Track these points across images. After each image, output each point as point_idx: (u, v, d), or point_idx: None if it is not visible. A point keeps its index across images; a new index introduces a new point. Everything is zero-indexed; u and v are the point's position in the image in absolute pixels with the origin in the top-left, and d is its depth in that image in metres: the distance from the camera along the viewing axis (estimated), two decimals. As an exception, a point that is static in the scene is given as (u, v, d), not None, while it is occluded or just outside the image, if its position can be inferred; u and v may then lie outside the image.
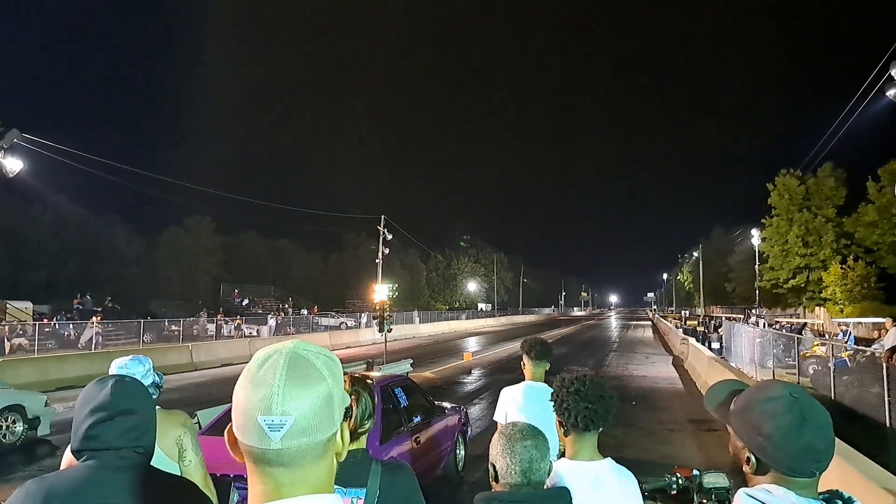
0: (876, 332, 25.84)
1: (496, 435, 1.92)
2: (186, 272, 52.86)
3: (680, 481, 2.57)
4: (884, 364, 9.40)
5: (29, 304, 30.50)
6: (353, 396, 1.93)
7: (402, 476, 1.97)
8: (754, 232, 46.00)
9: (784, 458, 1.24)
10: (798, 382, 13.38)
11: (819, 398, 1.31)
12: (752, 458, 1.29)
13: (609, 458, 2.24)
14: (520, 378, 3.81)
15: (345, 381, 0.95)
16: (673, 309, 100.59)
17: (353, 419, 1.95)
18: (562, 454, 2.35)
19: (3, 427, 9.60)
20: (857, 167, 44.36)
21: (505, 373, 18.79)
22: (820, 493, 1.27)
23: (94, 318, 25.63)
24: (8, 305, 28.67)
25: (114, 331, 26.54)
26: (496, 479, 1.88)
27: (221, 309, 39.40)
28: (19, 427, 9.77)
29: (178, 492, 1.70)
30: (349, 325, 42.24)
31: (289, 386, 0.83)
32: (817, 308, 44.88)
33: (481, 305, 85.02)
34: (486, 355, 27.01)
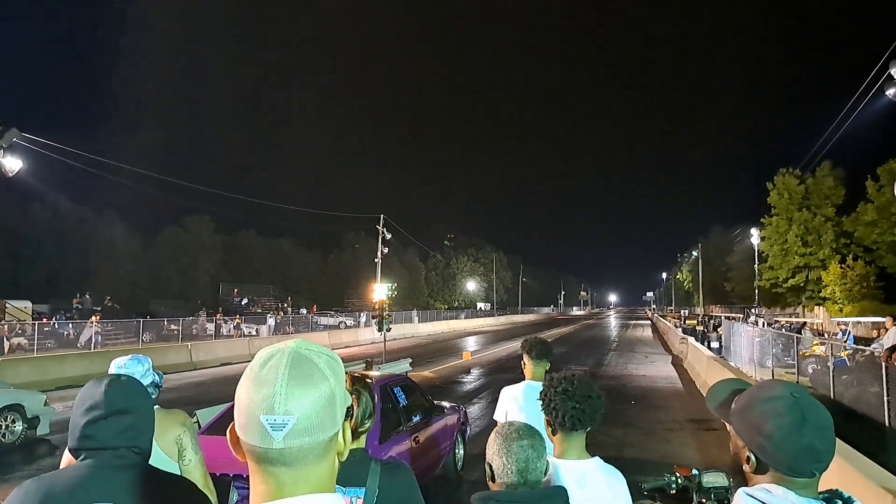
0: (875, 331, 25.87)
1: (493, 434, 1.92)
2: (186, 271, 52.86)
3: (679, 481, 2.58)
4: (883, 363, 9.40)
5: (28, 304, 30.50)
6: (354, 396, 1.93)
7: (401, 475, 1.97)
8: (753, 231, 46.08)
9: (784, 458, 1.24)
10: (797, 382, 13.40)
11: (818, 397, 1.31)
12: (753, 458, 1.29)
13: (597, 458, 2.24)
14: (519, 377, 3.82)
15: (346, 381, 0.95)
16: (672, 308, 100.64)
17: (354, 419, 1.95)
18: None
19: (3, 426, 9.60)
20: (857, 166, 44.45)
21: (504, 372, 18.80)
22: (820, 493, 1.28)
23: (93, 318, 25.64)
24: (7, 305, 28.67)
25: (113, 330, 26.55)
26: (493, 479, 1.88)
27: (221, 308, 39.43)
28: (19, 426, 9.77)
29: (176, 491, 1.69)
30: (348, 324, 42.27)
31: (291, 385, 0.83)
32: (816, 307, 44.92)
33: (480, 305, 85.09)
34: (485, 355, 27.02)
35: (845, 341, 17.53)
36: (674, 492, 2.59)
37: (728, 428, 1.39)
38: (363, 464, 1.93)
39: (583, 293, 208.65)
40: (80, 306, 31.30)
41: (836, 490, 1.30)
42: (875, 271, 39.54)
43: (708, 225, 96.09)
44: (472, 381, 18.06)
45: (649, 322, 68.59)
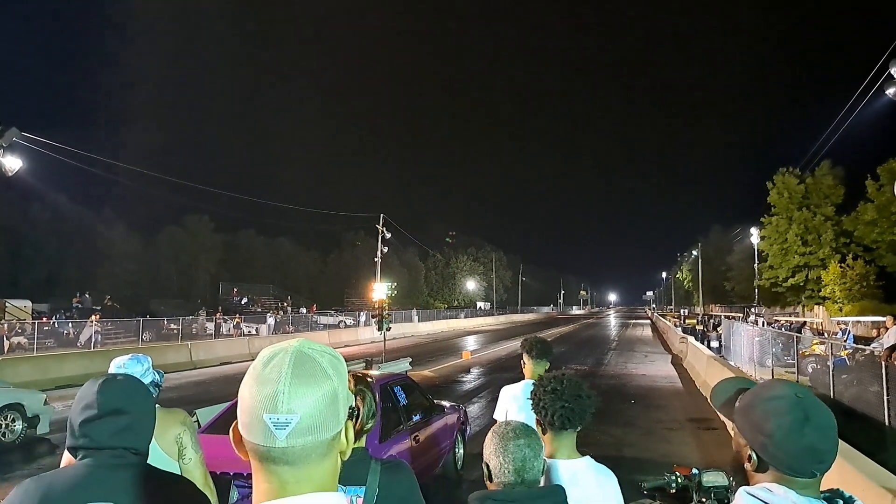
0: (875, 330, 25.88)
1: (490, 434, 1.92)
2: (185, 271, 52.84)
3: (679, 480, 2.58)
4: (883, 363, 9.41)
5: (28, 303, 30.50)
6: (359, 397, 1.93)
7: (401, 475, 1.97)
8: (753, 231, 46.07)
9: (785, 457, 1.24)
10: (797, 381, 13.40)
11: (818, 397, 1.31)
12: (754, 456, 1.29)
13: (587, 457, 2.25)
14: (519, 377, 3.82)
15: (350, 381, 0.96)
16: (672, 308, 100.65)
17: (360, 419, 1.95)
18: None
19: (3, 426, 9.60)
20: (856, 166, 44.52)
21: (504, 371, 18.80)
22: (821, 492, 1.27)
23: (93, 317, 25.64)
24: (7, 304, 28.67)
25: (113, 329, 26.54)
26: (490, 479, 1.88)
27: (220, 307, 39.42)
28: (19, 425, 9.77)
29: (175, 491, 1.69)
30: (348, 323, 42.28)
31: (294, 384, 0.83)
32: (816, 307, 44.94)
33: (480, 304, 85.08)
34: (485, 354, 27.02)
35: (845, 341, 17.54)
36: (674, 491, 2.59)
37: (731, 426, 1.40)
38: (363, 463, 1.93)
39: (582, 293, 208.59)
40: (79, 305, 31.30)
41: (837, 489, 1.30)
42: (875, 270, 39.55)
43: (708, 224, 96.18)
44: (471, 380, 18.06)
45: (649, 321, 68.58)
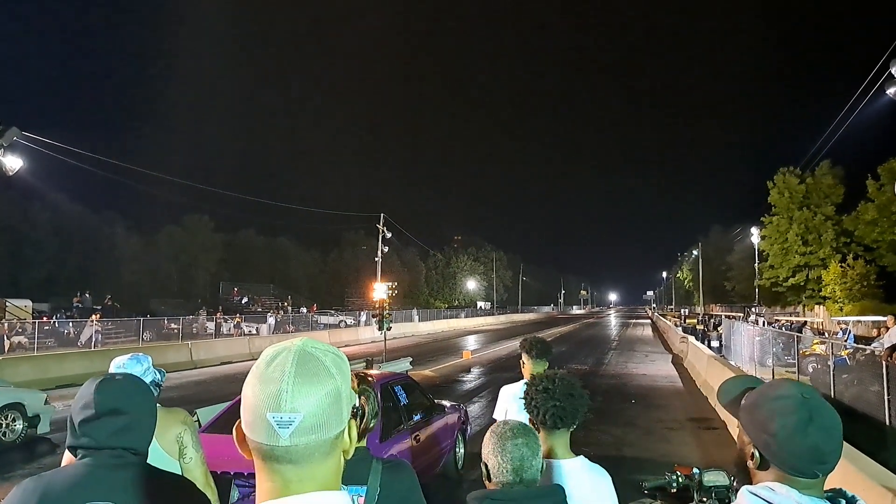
0: (875, 330, 25.86)
1: (488, 434, 1.92)
2: (185, 270, 52.83)
3: (680, 479, 2.57)
4: (883, 362, 9.40)
5: (28, 303, 30.51)
6: (362, 396, 1.93)
7: (402, 474, 1.97)
8: (754, 230, 46.05)
9: (787, 457, 1.23)
10: (797, 380, 13.36)
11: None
12: (757, 454, 1.29)
13: (581, 456, 2.24)
14: (519, 376, 3.82)
15: (353, 380, 0.96)
16: (672, 307, 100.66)
17: (364, 418, 1.95)
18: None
19: (3, 425, 9.60)
20: (857, 165, 44.52)
21: (504, 371, 18.79)
22: (824, 492, 1.27)
23: (93, 316, 25.65)
24: (7, 303, 28.67)
25: (113, 329, 26.54)
26: (489, 478, 1.88)
27: (221, 307, 39.42)
28: (19, 425, 9.78)
29: (175, 490, 1.69)
30: (349, 323, 42.28)
31: (298, 383, 0.83)
32: (817, 306, 44.94)
33: (480, 304, 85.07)
34: (486, 353, 27.02)
35: (846, 340, 17.52)
36: (674, 490, 2.58)
37: (734, 425, 1.40)
38: (364, 462, 1.92)
39: (583, 292, 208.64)
40: (80, 305, 31.30)
41: (840, 489, 1.29)
42: (875, 270, 39.54)
43: (708, 224, 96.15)
44: (472, 379, 18.06)
45: (649, 321, 68.56)
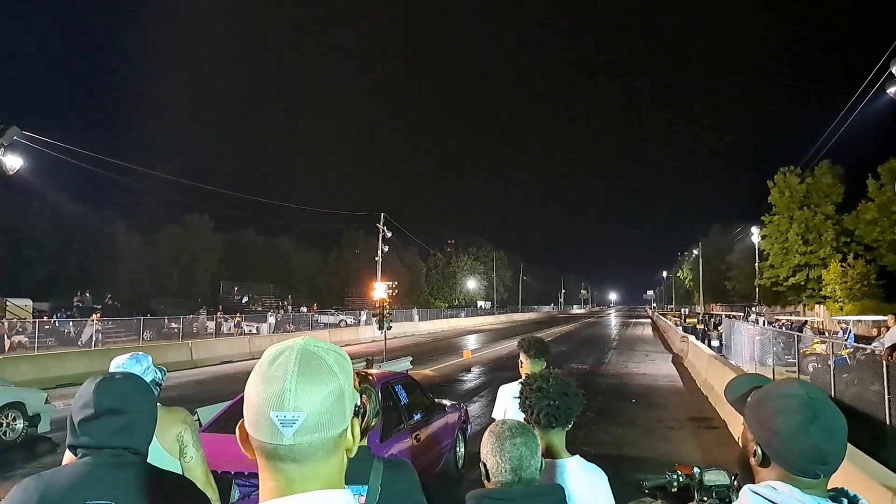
0: (875, 329, 25.85)
1: (486, 433, 1.92)
2: (186, 269, 52.86)
3: (681, 479, 2.57)
4: (884, 362, 9.40)
5: (29, 302, 30.53)
6: (364, 395, 1.93)
7: (403, 473, 1.97)
8: (754, 230, 46.04)
9: (789, 455, 1.23)
10: (805, 381, 13.35)
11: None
12: (759, 451, 1.29)
13: (577, 456, 2.24)
14: (519, 376, 3.82)
15: (355, 379, 0.96)
16: (672, 307, 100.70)
17: (366, 417, 1.95)
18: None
19: (4, 424, 9.60)
20: (857, 165, 44.56)
21: (504, 370, 18.79)
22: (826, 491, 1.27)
23: (93, 316, 25.65)
24: (8, 303, 28.69)
25: (114, 328, 26.55)
26: (488, 478, 1.88)
27: (221, 306, 39.44)
28: (20, 424, 9.78)
29: (175, 490, 1.68)
30: (349, 322, 42.28)
31: (301, 382, 0.83)
32: (817, 306, 44.95)
33: (480, 303, 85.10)
34: (486, 353, 27.02)
35: (846, 340, 17.51)
36: (675, 490, 2.58)
37: (735, 423, 1.40)
38: (365, 461, 1.92)
39: (583, 292, 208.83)
40: (80, 304, 31.33)
41: (842, 488, 1.29)
42: (875, 270, 39.55)
43: (708, 224, 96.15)
44: (472, 379, 18.07)
45: (650, 320, 68.56)
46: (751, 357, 18.22)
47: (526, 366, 3.72)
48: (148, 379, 2.65)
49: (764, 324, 27.34)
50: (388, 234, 39.77)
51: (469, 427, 8.76)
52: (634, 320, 73.31)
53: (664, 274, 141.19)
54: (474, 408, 12.51)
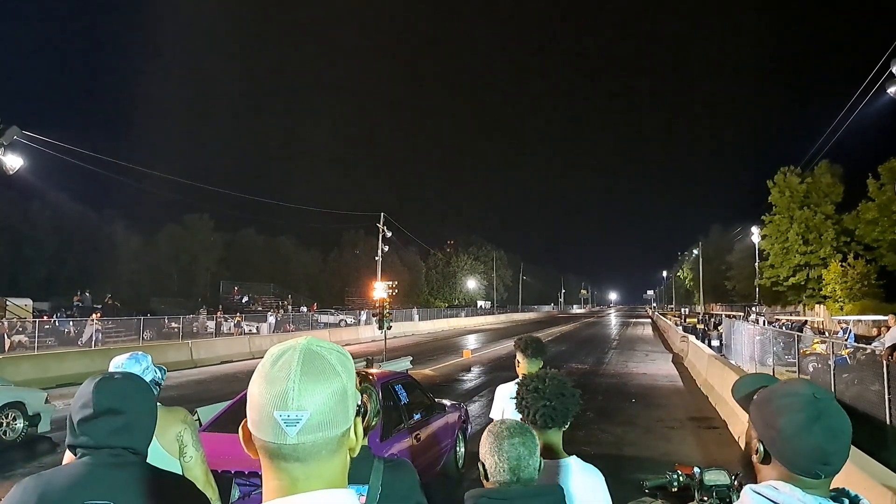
0: (875, 329, 25.85)
1: (485, 433, 1.92)
2: (186, 269, 52.88)
3: (681, 478, 2.57)
4: (884, 362, 9.40)
5: (29, 301, 30.54)
6: (365, 394, 1.93)
7: (403, 473, 1.97)
8: (754, 230, 46.03)
9: (791, 454, 1.23)
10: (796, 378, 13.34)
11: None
12: (761, 448, 1.29)
13: (574, 456, 2.24)
14: (516, 375, 3.81)
15: (356, 380, 0.96)
16: (673, 307, 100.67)
17: (366, 416, 1.95)
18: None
19: (4, 424, 9.61)
20: (855, 164, 44.65)
21: (504, 370, 18.79)
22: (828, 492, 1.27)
23: (93, 315, 25.65)
24: (8, 302, 28.70)
25: (114, 328, 26.54)
26: (486, 478, 1.88)
27: (221, 306, 39.45)
28: (20, 424, 9.78)
29: (174, 490, 1.68)
30: (349, 322, 42.28)
31: (304, 381, 0.84)
32: (817, 306, 44.94)
33: (480, 303, 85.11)
34: (486, 353, 27.02)
35: (846, 339, 17.51)
36: (675, 489, 2.58)
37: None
38: (366, 461, 1.92)
39: (583, 291, 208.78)
40: (80, 304, 31.33)
41: (843, 488, 1.29)
42: (876, 269, 39.54)
43: (708, 224, 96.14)
44: (472, 378, 18.07)
45: (650, 320, 68.58)
46: (751, 357, 18.22)
47: (523, 365, 3.71)
48: (147, 378, 2.65)
49: (764, 324, 27.32)
50: (388, 234, 39.76)
51: (469, 427, 8.77)
52: (634, 320, 73.31)
53: (664, 274, 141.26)
54: (474, 407, 12.51)
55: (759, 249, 46.50)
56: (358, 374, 2.01)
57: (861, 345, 14.32)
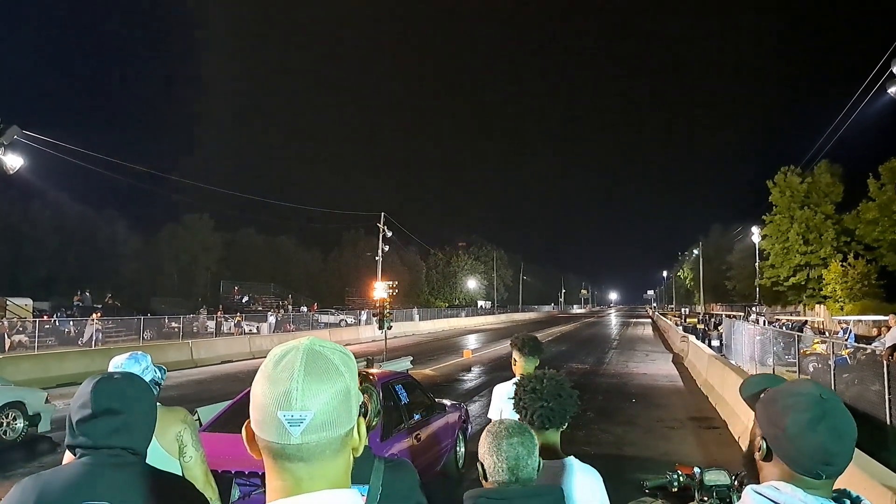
0: (875, 329, 25.86)
1: (484, 433, 1.92)
2: (186, 269, 52.92)
3: (681, 479, 2.58)
4: (884, 362, 9.39)
5: (29, 301, 30.54)
6: (365, 394, 1.93)
7: (404, 473, 1.97)
8: (755, 229, 46.03)
9: (794, 453, 1.23)
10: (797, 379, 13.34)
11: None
12: (764, 445, 1.29)
13: (571, 457, 2.24)
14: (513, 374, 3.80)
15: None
16: (673, 306, 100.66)
17: (367, 416, 1.95)
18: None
19: (4, 424, 9.61)
20: (854, 164, 44.64)
21: (505, 370, 18.74)
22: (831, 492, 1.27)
23: (94, 315, 25.65)
24: (8, 302, 28.70)
25: (114, 328, 26.55)
26: (485, 478, 1.88)
27: (221, 306, 39.43)
28: (20, 424, 9.78)
29: (173, 490, 1.68)
30: (349, 322, 42.28)
31: (308, 381, 0.84)
32: (818, 306, 44.94)
33: (481, 303, 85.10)
34: (486, 352, 27.01)
35: (846, 339, 17.51)
36: (675, 489, 2.58)
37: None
38: (366, 461, 1.92)
39: (583, 291, 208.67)
40: (80, 304, 31.33)
41: (844, 489, 1.29)
42: (876, 269, 39.55)
43: (708, 224, 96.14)
44: (473, 378, 18.07)
45: (650, 320, 68.55)
46: (751, 357, 18.21)
47: (519, 364, 3.71)
48: (147, 378, 2.64)
49: (764, 324, 27.31)
50: (389, 234, 39.77)
51: (469, 427, 8.76)
52: (635, 320, 73.31)
53: (664, 274, 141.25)
54: (475, 407, 12.51)
55: (759, 249, 46.50)
56: (358, 374, 2.01)
57: (861, 345, 14.32)
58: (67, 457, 1.86)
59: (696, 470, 2.58)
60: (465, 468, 7.81)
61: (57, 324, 24.99)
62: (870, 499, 1.31)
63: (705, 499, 2.51)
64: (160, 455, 2.53)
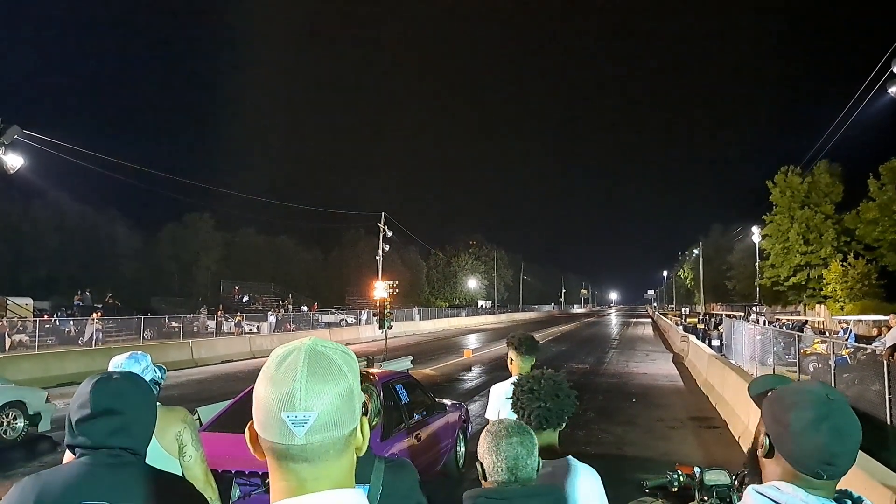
0: (876, 329, 25.84)
1: (483, 433, 1.92)
2: (186, 269, 52.96)
3: (681, 478, 2.58)
4: (884, 361, 9.38)
5: (29, 301, 30.55)
6: (366, 394, 1.93)
7: (404, 473, 1.97)
8: (755, 229, 46.03)
9: (796, 451, 1.23)
10: (798, 379, 13.34)
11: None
12: (766, 442, 1.30)
13: (569, 456, 2.23)
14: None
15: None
16: (673, 306, 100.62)
17: (367, 416, 1.95)
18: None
19: (4, 423, 9.62)
20: (854, 164, 44.58)
21: (505, 370, 18.62)
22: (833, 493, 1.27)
23: (94, 315, 25.64)
24: (8, 302, 28.71)
25: (114, 327, 26.55)
26: (484, 478, 1.88)
27: (221, 305, 39.42)
28: (20, 423, 9.79)
29: (172, 491, 1.67)
30: (349, 321, 42.30)
31: (311, 381, 0.84)
32: (818, 305, 44.94)
33: (481, 303, 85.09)
34: (487, 352, 27.01)
35: (847, 339, 17.50)
36: (675, 489, 2.59)
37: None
38: (367, 461, 1.92)
39: (583, 291, 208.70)
40: (81, 303, 31.31)
41: (846, 490, 1.29)
42: (876, 269, 39.54)
43: (708, 224, 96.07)
44: (473, 378, 18.07)
45: (650, 320, 68.59)
46: (751, 357, 18.19)
47: (516, 363, 3.71)
48: (147, 378, 2.64)
49: (764, 323, 27.30)
50: (389, 234, 39.76)
51: (470, 426, 8.76)
52: (635, 320, 73.34)
53: (665, 274, 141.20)
54: (475, 407, 12.50)
55: (759, 249, 46.50)
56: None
57: (861, 345, 14.31)
58: (67, 456, 1.85)
59: (697, 470, 2.58)
60: (465, 468, 7.80)
61: (57, 323, 24.99)
62: (870, 499, 1.31)
63: (705, 499, 2.51)
64: (160, 455, 2.53)
